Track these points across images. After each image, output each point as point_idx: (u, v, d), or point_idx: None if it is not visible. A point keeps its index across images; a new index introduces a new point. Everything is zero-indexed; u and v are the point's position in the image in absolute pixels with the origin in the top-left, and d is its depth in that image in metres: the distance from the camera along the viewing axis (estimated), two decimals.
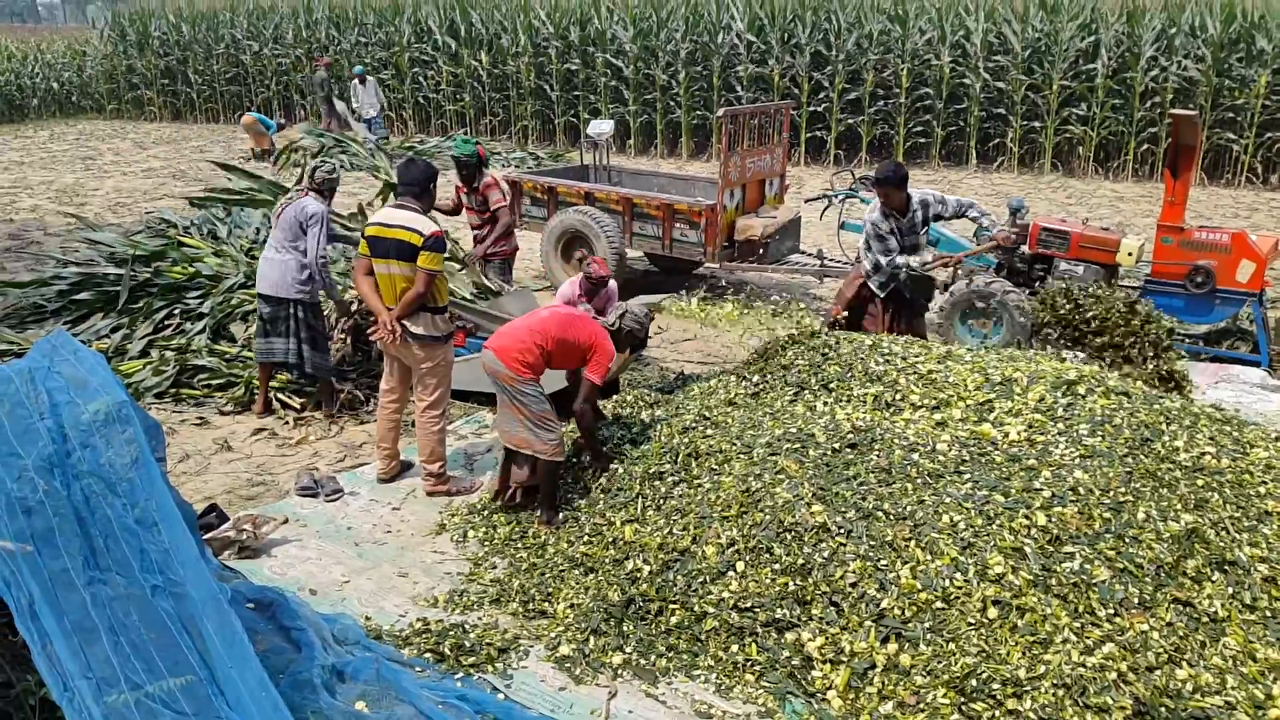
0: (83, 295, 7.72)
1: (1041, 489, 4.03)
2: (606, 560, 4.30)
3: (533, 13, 21.13)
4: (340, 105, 18.93)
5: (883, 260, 6.27)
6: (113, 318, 7.42)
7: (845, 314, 6.59)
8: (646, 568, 4.12)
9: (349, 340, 6.86)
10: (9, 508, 3.01)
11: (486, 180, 7.63)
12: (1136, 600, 3.57)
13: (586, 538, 4.54)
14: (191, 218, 9.26)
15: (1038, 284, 7.65)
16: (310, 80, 19.64)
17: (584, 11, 20.72)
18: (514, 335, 4.90)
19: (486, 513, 5.11)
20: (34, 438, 3.23)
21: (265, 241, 6.35)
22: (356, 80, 18.13)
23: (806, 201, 10.36)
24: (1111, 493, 4.03)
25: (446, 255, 5.39)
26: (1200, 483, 4.21)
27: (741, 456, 4.63)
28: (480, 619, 4.18)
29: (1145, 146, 17.02)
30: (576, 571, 4.33)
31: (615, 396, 6.08)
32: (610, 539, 4.43)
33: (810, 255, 9.48)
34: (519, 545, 4.74)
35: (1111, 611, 3.53)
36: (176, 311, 7.35)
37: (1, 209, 14.09)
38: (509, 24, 21.36)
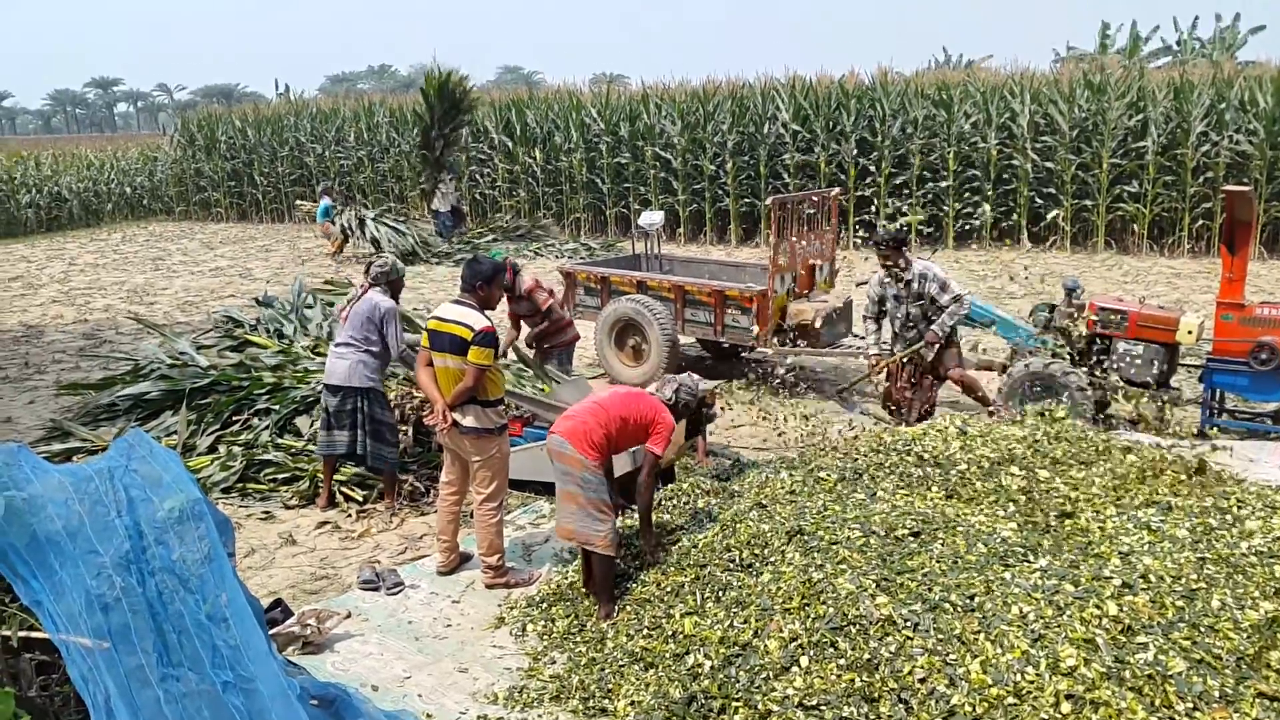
0: (152, 394, 7.97)
1: (1111, 577, 3.93)
2: (666, 655, 4.26)
3: (584, 110, 21.80)
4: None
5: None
6: (181, 414, 7.65)
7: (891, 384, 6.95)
8: (708, 663, 4.07)
9: (410, 432, 6.99)
10: (89, 605, 3.10)
11: (527, 285, 8.16)
12: (1217, 693, 3.44)
13: (645, 631, 4.50)
14: (258, 316, 9.57)
15: (1096, 364, 7.57)
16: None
17: (633, 108, 21.34)
18: (581, 419, 4.99)
19: (545, 605, 5.11)
20: (111, 534, 3.34)
21: (330, 337, 6.57)
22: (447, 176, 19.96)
23: (858, 285, 10.40)
24: (1183, 580, 3.92)
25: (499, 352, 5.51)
26: (1279, 569, 4.07)
27: (801, 546, 4.59)
28: (540, 716, 4.15)
29: (1200, 222, 16.88)
30: (636, 667, 4.29)
31: (670, 485, 6.09)
32: (670, 632, 4.39)
33: (872, 351, 9.47)
34: (578, 639, 4.72)
35: (1190, 705, 3.40)
36: (243, 408, 7.55)
37: (78, 310, 14.70)
38: (561, 122, 22.05)
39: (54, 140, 53.25)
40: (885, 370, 7.44)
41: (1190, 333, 7.21)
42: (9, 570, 3.20)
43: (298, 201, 23.24)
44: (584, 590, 5.17)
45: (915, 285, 6.69)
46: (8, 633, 3.20)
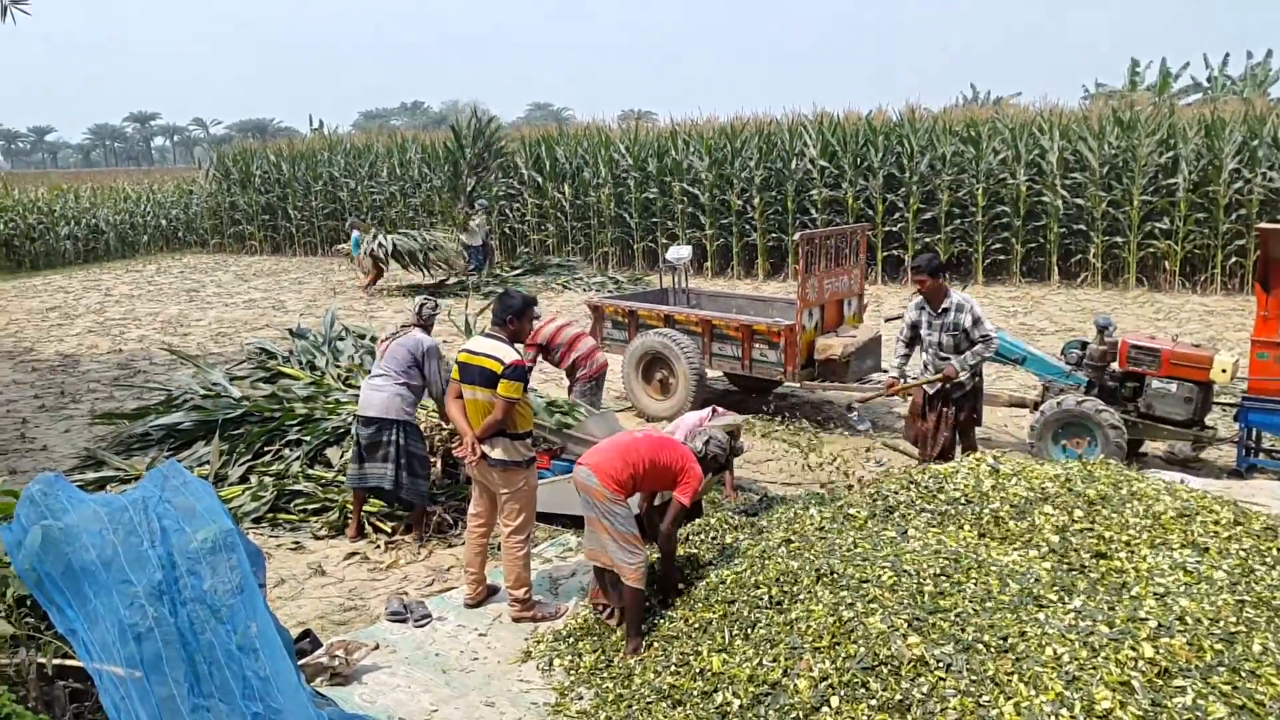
0: (185, 424, 8.06)
1: (1147, 618, 3.86)
2: (694, 692, 4.22)
3: (612, 146, 22.01)
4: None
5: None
6: (214, 444, 7.72)
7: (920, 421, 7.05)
8: (736, 701, 4.03)
9: (439, 464, 7.02)
10: (122, 634, 3.13)
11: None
12: None
13: (673, 668, 4.47)
14: (291, 347, 9.68)
15: (1129, 402, 7.49)
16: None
17: (661, 144, 21.53)
18: (609, 453, 5.01)
19: (572, 640, 5.09)
20: (144, 564, 3.37)
21: (364, 369, 6.67)
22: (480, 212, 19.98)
23: (886, 320, 10.37)
24: (1222, 622, 3.84)
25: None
26: None
27: (831, 584, 4.55)
28: None
29: (1233, 259, 16.71)
30: (664, 704, 4.25)
31: (698, 520, 6.07)
32: (698, 669, 4.35)
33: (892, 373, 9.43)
34: (604, 675, 4.69)
35: None
36: (275, 438, 7.62)
37: (113, 340, 14.92)
38: (590, 158, 22.28)
39: (93, 173, 54.36)
40: (905, 396, 7.46)
41: (1224, 371, 7.13)
42: (45, 598, 3.24)
43: (336, 247, 23.61)
44: (593, 605, 5.18)
45: (951, 315, 6.69)
46: (43, 660, 3.23)
